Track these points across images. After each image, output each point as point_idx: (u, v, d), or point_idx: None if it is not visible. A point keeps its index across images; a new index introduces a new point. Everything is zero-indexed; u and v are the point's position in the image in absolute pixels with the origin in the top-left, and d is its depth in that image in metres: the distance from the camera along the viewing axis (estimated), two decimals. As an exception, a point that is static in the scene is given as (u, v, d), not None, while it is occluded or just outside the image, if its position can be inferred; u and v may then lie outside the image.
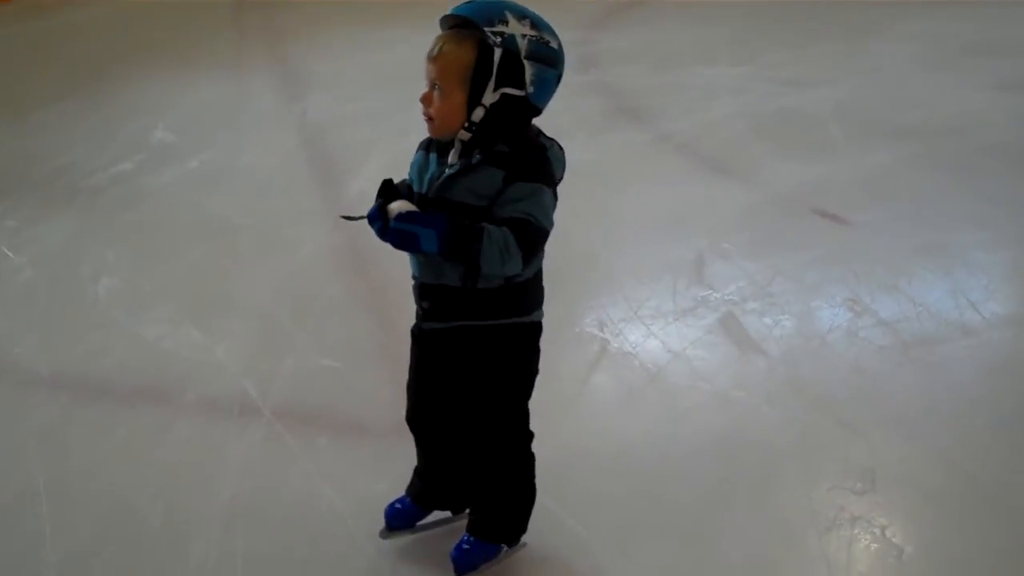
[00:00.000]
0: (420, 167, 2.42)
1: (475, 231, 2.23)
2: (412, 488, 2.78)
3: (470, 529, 2.66)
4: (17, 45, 7.79)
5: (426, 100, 2.34)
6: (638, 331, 3.79)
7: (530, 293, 2.48)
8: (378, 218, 2.29)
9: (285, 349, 3.66)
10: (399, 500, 2.79)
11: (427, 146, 2.44)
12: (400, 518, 2.79)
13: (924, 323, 3.80)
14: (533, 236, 2.27)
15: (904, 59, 6.97)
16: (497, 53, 2.27)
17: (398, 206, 2.28)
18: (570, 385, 3.49)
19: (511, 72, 2.29)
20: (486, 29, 2.26)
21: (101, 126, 5.99)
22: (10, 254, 4.42)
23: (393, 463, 2.90)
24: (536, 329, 2.53)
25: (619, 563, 2.73)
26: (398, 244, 2.27)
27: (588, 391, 3.50)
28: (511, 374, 2.53)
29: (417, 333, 2.55)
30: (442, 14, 2.33)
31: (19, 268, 4.33)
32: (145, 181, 5.17)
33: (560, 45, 2.36)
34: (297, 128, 5.86)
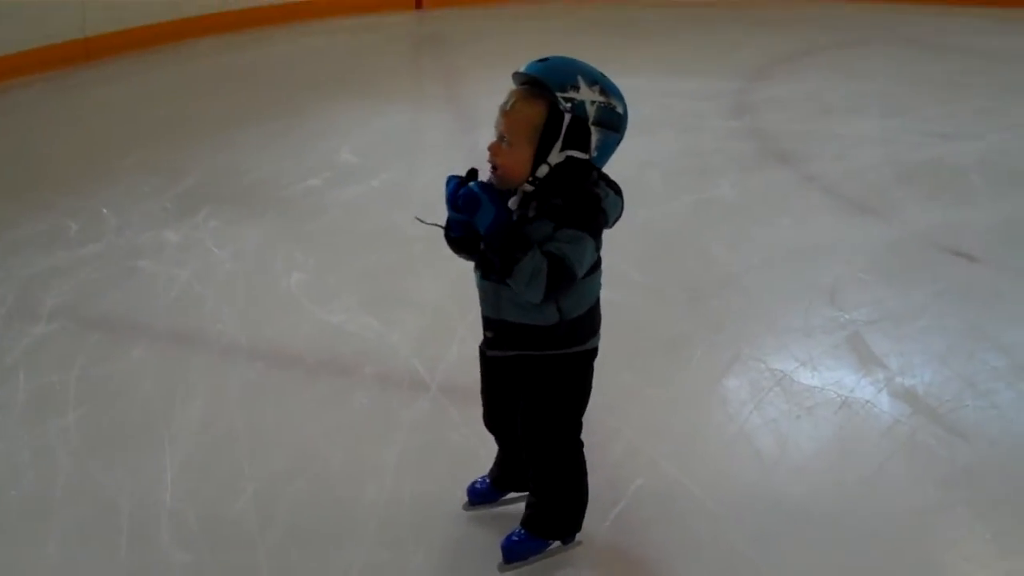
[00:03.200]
0: (469, 174, 2.49)
1: (526, 243, 2.36)
2: (492, 473, 3.02)
3: (523, 523, 2.83)
4: (221, 74, 8.45)
5: (494, 150, 2.43)
6: (770, 342, 4.09)
7: (585, 325, 2.59)
8: (456, 179, 2.43)
9: (451, 337, 4.00)
10: (480, 480, 3.04)
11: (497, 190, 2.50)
12: (481, 496, 3.03)
13: (1042, 351, 4.00)
14: (562, 275, 2.38)
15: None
16: (567, 118, 2.37)
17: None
18: (704, 384, 3.82)
19: (578, 136, 2.39)
20: (558, 94, 2.36)
21: (294, 146, 6.51)
22: (215, 249, 4.92)
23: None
24: (591, 355, 2.66)
25: (737, 529, 3.02)
26: (464, 202, 2.36)
27: (720, 389, 3.78)
28: (566, 395, 2.68)
29: (483, 354, 2.73)
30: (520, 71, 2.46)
31: (221, 261, 4.81)
32: (331, 195, 5.62)
33: (625, 110, 2.47)
34: (466, 157, 6.27)
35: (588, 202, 2.45)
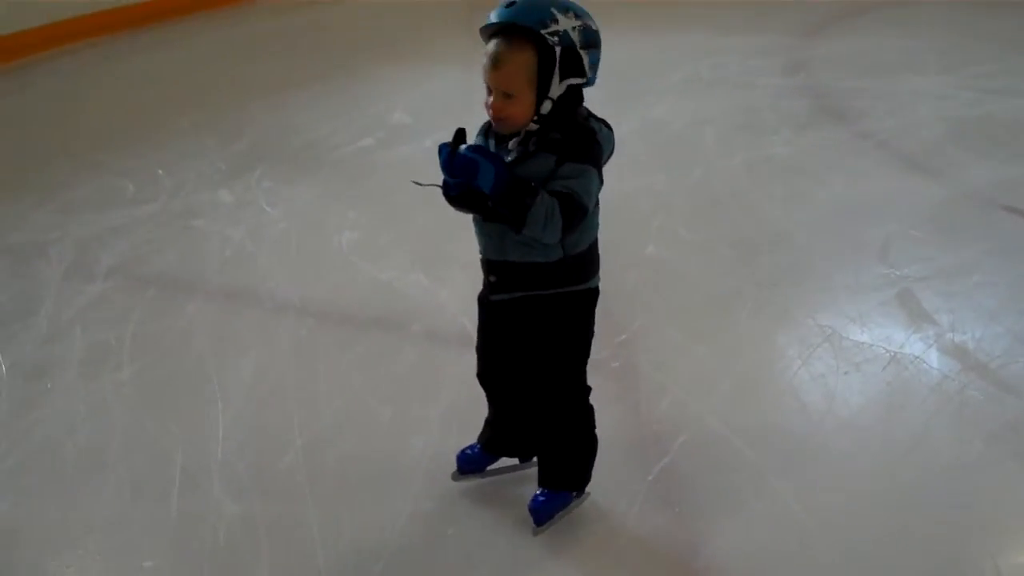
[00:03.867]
0: (457, 135, 2.39)
1: (531, 188, 2.32)
2: (483, 436, 2.98)
3: (542, 482, 2.83)
4: (273, 37, 8.52)
5: (498, 107, 2.38)
6: (820, 299, 4.06)
7: (587, 262, 2.58)
8: (448, 147, 2.33)
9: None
10: (470, 447, 3.01)
11: (486, 132, 2.52)
12: (471, 463, 3.00)
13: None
14: (575, 211, 2.37)
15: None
16: (558, 51, 2.34)
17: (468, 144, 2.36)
18: (751, 340, 3.81)
19: (572, 64, 2.37)
20: (542, 32, 2.32)
21: (346, 107, 6.55)
22: (268, 208, 4.99)
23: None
24: (593, 295, 2.64)
25: (781, 481, 3.03)
26: (460, 170, 2.30)
27: (767, 345, 3.78)
28: (570, 337, 2.66)
29: (484, 302, 2.70)
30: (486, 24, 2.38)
31: (275, 220, 4.88)
32: (384, 155, 5.66)
33: (597, 25, 2.43)
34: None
35: (585, 135, 2.45)
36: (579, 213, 2.39)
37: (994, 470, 3.10)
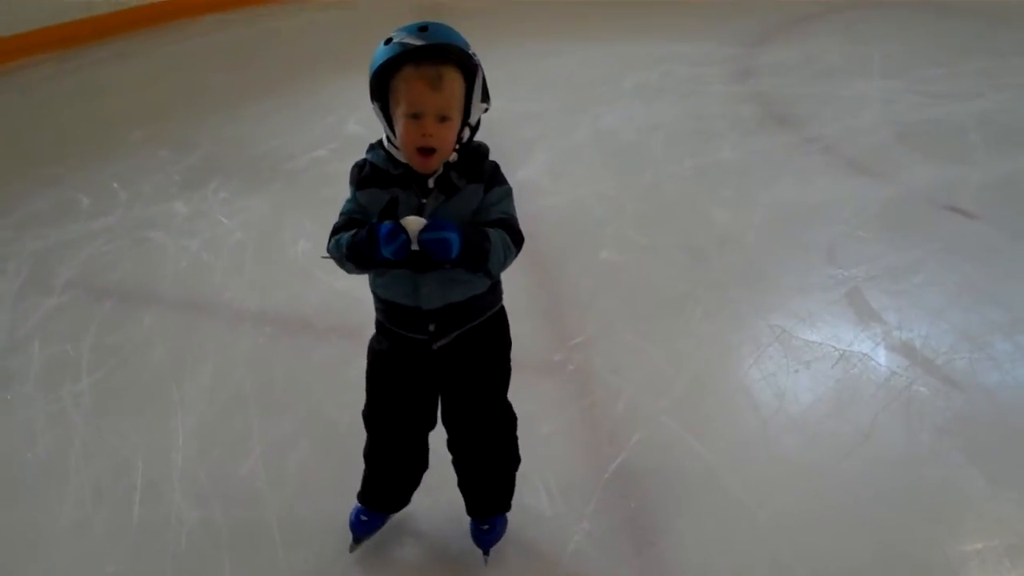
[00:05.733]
0: (387, 207, 2.27)
1: (482, 232, 2.25)
2: (380, 500, 2.83)
3: (485, 512, 2.78)
4: (224, 51, 8.52)
5: (434, 132, 2.22)
6: (770, 300, 4.15)
7: (499, 279, 2.51)
8: (400, 233, 2.18)
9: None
10: (362, 512, 2.83)
11: (382, 183, 2.33)
12: (368, 529, 2.85)
13: (1036, 304, 4.06)
14: (518, 231, 2.33)
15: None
16: (480, 72, 2.26)
17: (415, 220, 2.20)
18: (704, 342, 3.88)
19: (483, 87, 2.29)
20: (470, 52, 2.23)
21: (300, 119, 6.57)
22: (223, 220, 5.00)
23: (537, 387, 3.40)
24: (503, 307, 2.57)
25: (733, 476, 3.11)
26: (433, 252, 2.19)
27: (719, 346, 3.86)
28: (506, 354, 2.59)
29: (415, 354, 2.49)
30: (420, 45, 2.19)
31: (230, 231, 4.89)
32: (338, 166, 5.59)
33: None
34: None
35: (486, 155, 2.39)
36: (520, 235, 2.35)
37: (941, 462, 3.20)
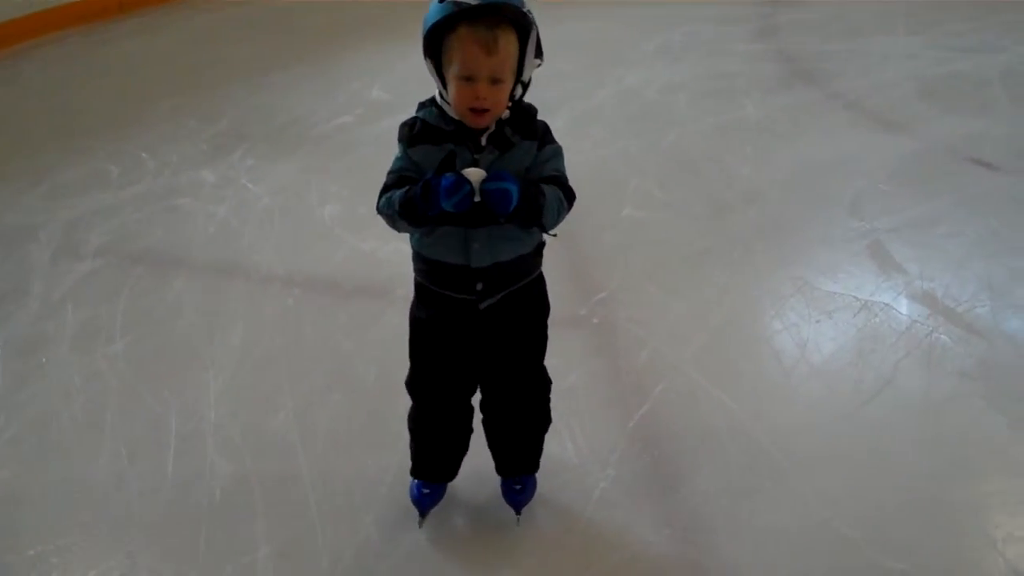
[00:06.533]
0: (444, 162, 2.27)
1: (538, 187, 2.25)
2: (438, 471, 2.83)
3: (517, 471, 2.82)
4: (249, 21, 8.53)
5: (486, 97, 2.20)
6: (792, 253, 4.19)
7: (543, 242, 2.50)
8: (464, 184, 2.16)
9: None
10: (423, 487, 2.83)
11: (435, 139, 2.31)
12: (432, 501, 2.84)
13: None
14: (570, 189, 2.33)
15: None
16: (534, 31, 2.22)
17: (477, 172, 2.19)
18: (726, 295, 3.91)
19: (537, 43, 2.25)
20: (525, 10, 2.18)
21: (325, 86, 6.59)
22: (250, 186, 5.05)
23: (562, 340, 3.39)
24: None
25: (756, 424, 3.16)
26: (494, 203, 2.18)
27: (741, 298, 3.89)
28: (546, 315, 2.59)
29: (463, 315, 2.46)
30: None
31: (258, 197, 4.94)
32: (363, 131, 5.70)
33: None
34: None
35: (534, 113, 2.38)
36: (572, 193, 2.35)
37: (963, 407, 3.23)
